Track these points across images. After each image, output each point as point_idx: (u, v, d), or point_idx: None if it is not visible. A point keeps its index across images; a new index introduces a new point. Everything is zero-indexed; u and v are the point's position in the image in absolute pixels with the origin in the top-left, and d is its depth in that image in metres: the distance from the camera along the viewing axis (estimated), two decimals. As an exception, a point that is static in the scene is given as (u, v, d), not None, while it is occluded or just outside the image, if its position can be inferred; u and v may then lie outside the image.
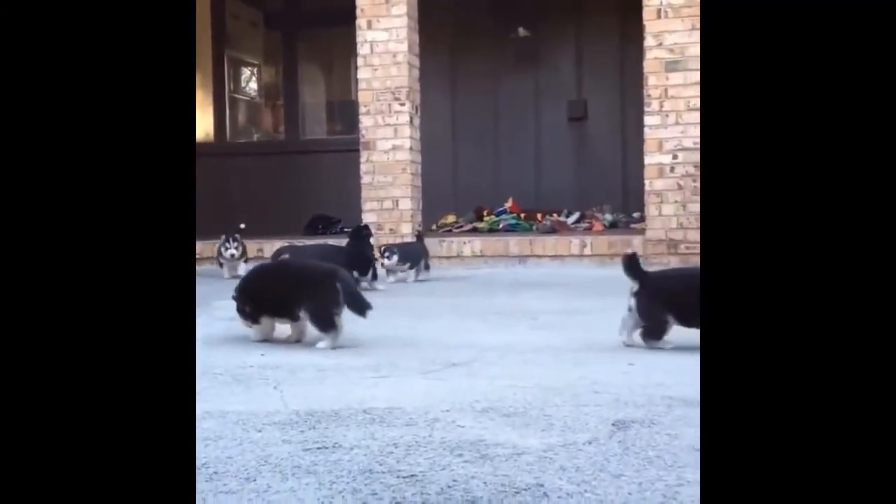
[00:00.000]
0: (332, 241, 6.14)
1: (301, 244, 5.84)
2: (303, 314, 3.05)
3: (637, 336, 3.02)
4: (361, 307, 3.02)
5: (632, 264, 3.13)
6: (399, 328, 3.58)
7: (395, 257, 5.75)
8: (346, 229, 8.93)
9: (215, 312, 3.85)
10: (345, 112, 10.50)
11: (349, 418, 1.89)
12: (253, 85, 10.98)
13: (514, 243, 6.89)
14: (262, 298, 3.18)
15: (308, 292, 3.07)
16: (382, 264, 5.70)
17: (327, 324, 3.01)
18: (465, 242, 7.02)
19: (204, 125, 10.17)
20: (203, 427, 1.82)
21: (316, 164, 9.70)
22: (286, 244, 6.38)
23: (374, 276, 5.33)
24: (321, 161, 9.71)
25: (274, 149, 10.06)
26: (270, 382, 2.33)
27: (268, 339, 3.16)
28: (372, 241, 5.51)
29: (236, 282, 3.46)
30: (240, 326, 3.21)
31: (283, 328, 3.18)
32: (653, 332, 2.97)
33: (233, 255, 5.95)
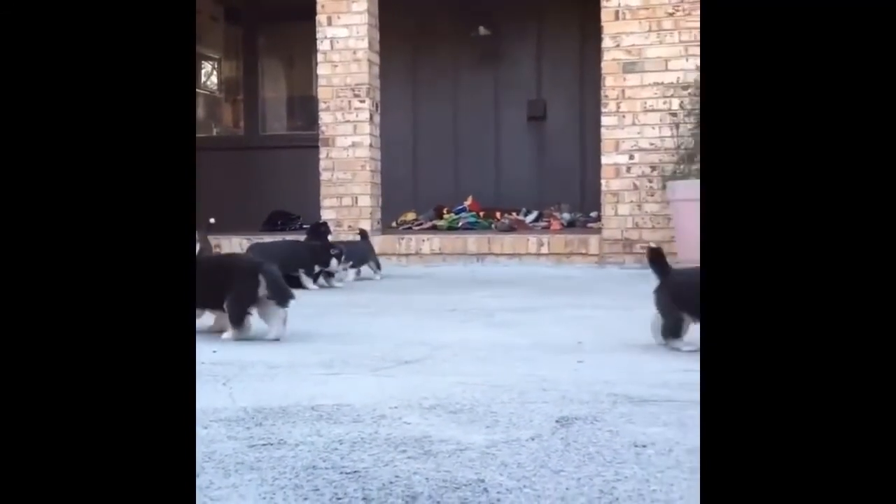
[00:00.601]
0: (290, 238, 6.11)
1: (265, 241, 5.79)
2: (225, 305, 3.12)
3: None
4: (284, 296, 3.10)
5: (656, 259, 2.97)
6: (354, 325, 3.59)
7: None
8: (304, 226, 8.91)
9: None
10: (305, 108, 10.47)
11: (296, 415, 1.90)
12: (213, 79, 10.88)
13: (473, 241, 6.92)
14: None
15: (231, 283, 3.12)
16: None
17: (238, 318, 3.09)
18: (423, 240, 7.03)
19: (162, 119, 10.06)
20: (149, 423, 1.81)
21: (275, 159, 9.66)
22: (251, 241, 6.35)
23: (331, 275, 5.34)
24: (280, 157, 9.67)
25: (233, 144, 9.99)
26: (220, 379, 2.32)
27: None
28: (330, 237, 5.50)
29: None
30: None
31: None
32: (669, 329, 2.85)
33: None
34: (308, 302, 4.41)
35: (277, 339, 3.07)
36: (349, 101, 7.09)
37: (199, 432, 1.76)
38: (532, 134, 9.09)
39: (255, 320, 3.13)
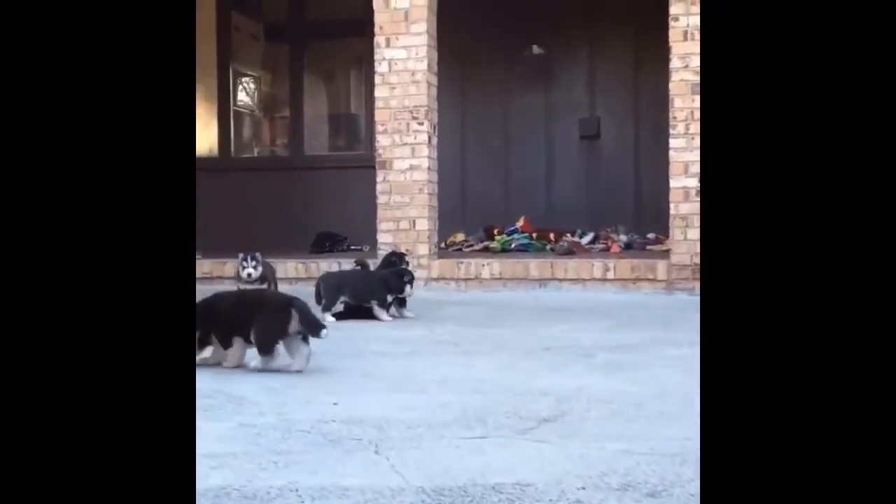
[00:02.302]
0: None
1: (337, 269, 5.63)
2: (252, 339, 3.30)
3: None
4: (316, 328, 3.29)
5: None
6: (455, 368, 3.44)
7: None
8: (353, 247, 8.81)
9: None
10: (347, 126, 10.37)
11: (484, 499, 1.76)
12: (254, 98, 10.80)
13: (535, 266, 6.77)
14: (210, 325, 3.36)
15: (258, 319, 3.32)
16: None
17: (264, 349, 3.28)
18: (483, 265, 6.89)
19: (208, 140, 9.99)
20: (327, 509, 1.68)
21: (319, 180, 9.55)
22: (304, 264, 6.18)
23: (402, 303, 5.19)
24: (323, 177, 9.56)
25: (278, 164, 9.89)
26: (366, 444, 2.18)
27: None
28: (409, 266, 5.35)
29: None
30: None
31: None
32: None
33: (249, 276, 5.62)
34: (393, 337, 4.28)
35: (300, 372, 3.26)
36: (407, 124, 6.96)
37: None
38: (585, 153, 8.94)
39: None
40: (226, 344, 3.39)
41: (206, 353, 3.43)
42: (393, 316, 5.08)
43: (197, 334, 3.28)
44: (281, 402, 2.71)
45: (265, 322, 3.33)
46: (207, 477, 1.89)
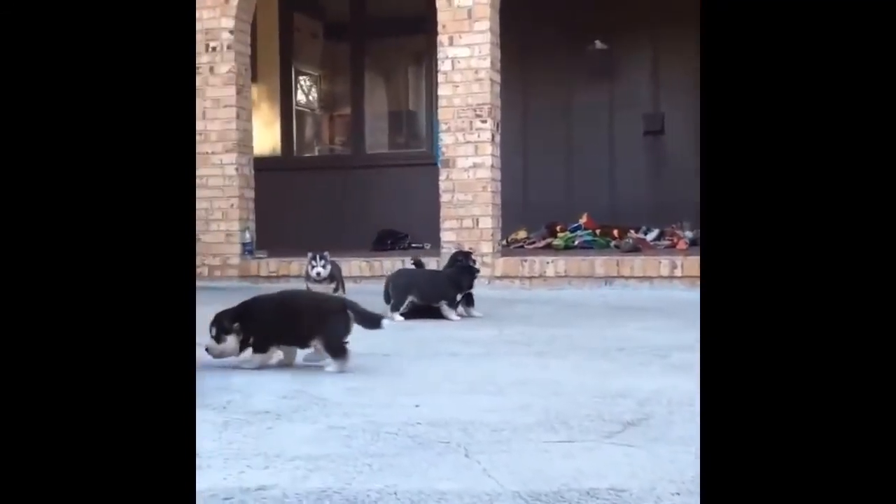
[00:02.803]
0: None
1: (401, 267, 5.69)
2: (316, 342, 3.34)
3: None
4: (375, 322, 3.43)
5: None
6: (527, 367, 3.45)
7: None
8: (414, 245, 8.87)
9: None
10: (407, 124, 10.43)
11: (577, 502, 1.77)
12: (313, 97, 10.92)
13: (600, 263, 6.74)
14: (273, 328, 3.40)
15: (322, 323, 3.36)
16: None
17: (338, 351, 3.33)
18: (548, 262, 6.88)
19: (271, 139, 10.14)
20: (426, 513, 1.71)
21: (380, 178, 9.63)
22: (368, 262, 6.22)
23: (470, 303, 5.21)
24: (384, 175, 9.64)
25: (340, 163, 10.00)
26: (455, 447, 2.21)
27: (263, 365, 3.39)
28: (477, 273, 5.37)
29: None
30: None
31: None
32: None
33: (319, 275, 5.67)
34: (464, 337, 4.30)
35: (342, 372, 3.28)
36: (470, 122, 6.98)
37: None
38: (649, 148, 8.87)
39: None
40: (263, 348, 3.40)
41: (273, 357, 3.44)
42: (461, 315, 5.11)
43: (239, 336, 3.33)
44: (364, 404, 2.75)
45: (332, 326, 3.37)
46: (307, 479, 1.93)
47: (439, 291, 5.05)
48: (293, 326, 3.39)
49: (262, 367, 3.38)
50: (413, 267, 5.60)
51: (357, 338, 3.87)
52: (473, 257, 5.45)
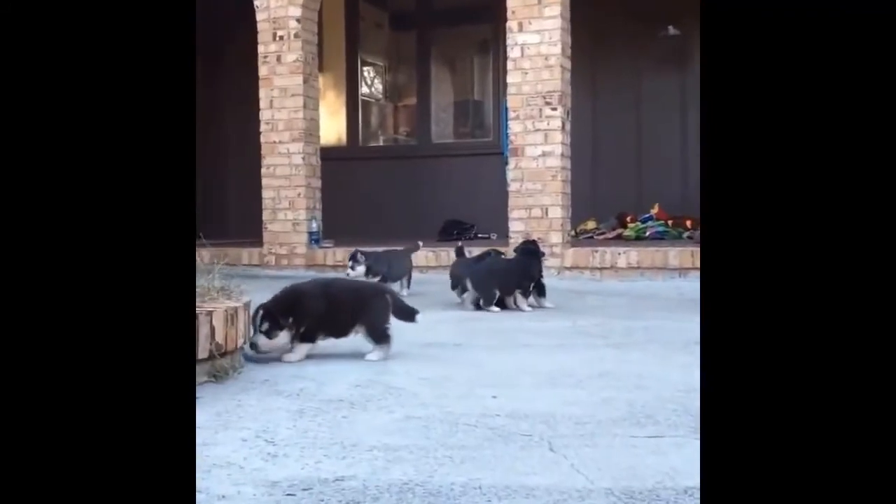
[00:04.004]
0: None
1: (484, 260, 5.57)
2: (359, 329, 3.29)
3: None
4: (411, 314, 3.39)
5: None
6: (605, 360, 3.33)
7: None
8: (480, 235, 8.77)
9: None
10: (474, 113, 10.32)
11: (674, 501, 1.66)
12: (379, 87, 10.89)
13: (674, 255, 6.55)
14: (321, 318, 3.28)
15: (364, 309, 3.32)
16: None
17: (382, 336, 3.28)
18: (619, 253, 6.71)
19: (336, 129, 10.14)
20: (514, 510, 1.61)
21: (445, 167, 9.56)
22: (434, 252, 6.12)
23: (541, 293, 5.10)
24: (451, 164, 9.56)
25: (406, 152, 9.95)
26: (538, 441, 2.11)
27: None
28: (543, 258, 5.24)
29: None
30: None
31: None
32: None
33: (347, 275, 5.57)
34: (537, 329, 4.19)
35: (384, 360, 3.23)
36: (540, 110, 6.85)
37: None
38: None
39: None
40: (311, 338, 3.28)
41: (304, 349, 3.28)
42: (531, 306, 5.00)
43: (292, 331, 3.22)
44: (440, 395, 2.67)
45: (373, 311, 3.31)
46: (387, 470, 1.85)
47: (515, 282, 4.94)
48: (335, 314, 3.30)
49: (302, 358, 3.24)
50: (461, 257, 5.49)
51: (427, 327, 3.80)
52: (541, 247, 5.33)
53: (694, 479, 1.79)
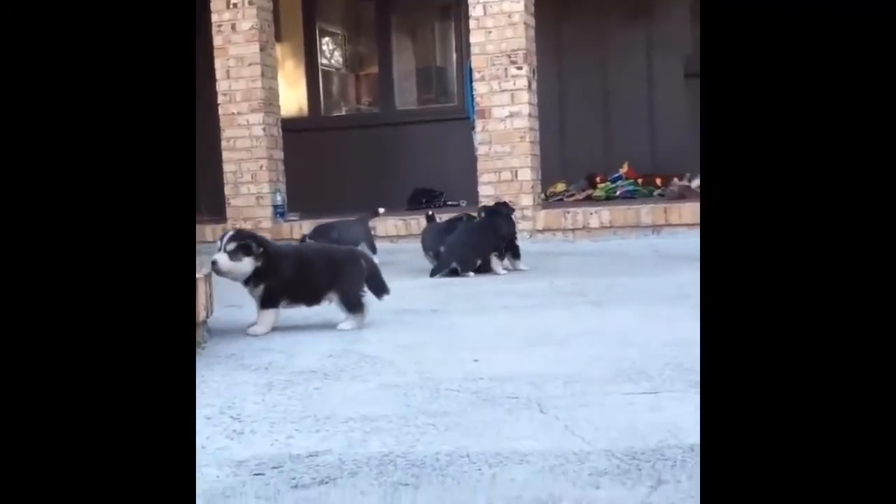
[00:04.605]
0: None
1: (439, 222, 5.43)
2: (332, 297, 3.10)
3: None
4: (381, 290, 3.20)
5: None
6: (587, 318, 3.19)
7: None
8: (449, 202, 8.60)
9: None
10: (437, 80, 10.11)
11: (685, 461, 1.52)
12: (338, 57, 10.62)
13: (647, 212, 6.43)
14: (290, 282, 3.08)
15: (337, 275, 3.12)
16: None
17: (356, 305, 3.10)
18: (591, 213, 6.58)
19: (297, 100, 9.88)
20: (516, 478, 1.47)
21: (410, 135, 9.36)
22: (404, 221, 5.95)
23: (516, 255, 4.95)
24: (416, 132, 9.36)
25: (370, 121, 9.72)
26: (526, 403, 1.96)
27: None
28: (514, 217, 5.09)
29: None
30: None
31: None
32: None
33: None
34: (514, 291, 4.05)
35: (359, 329, 3.07)
36: (505, 69, 6.66)
37: (591, 494, 1.39)
38: (690, 93, 8.47)
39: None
40: (274, 302, 3.08)
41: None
42: (506, 269, 4.85)
43: (256, 264, 3.00)
44: (417, 361, 2.52)
45: (347, 277, 3.13)
46: (365, 443, 1.70)
47: (488, 245, 4.79)
48: (306, 279, 3.11)
49: (269, 330, 3.04)
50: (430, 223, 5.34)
51: (402, 294, 3.64)
52: (511, 206, 5.21)
53: (698, 436, 1.65)
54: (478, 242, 4.77)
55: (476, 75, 6.75)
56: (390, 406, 1.98)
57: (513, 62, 6.63)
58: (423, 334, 2.98)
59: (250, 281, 3.05)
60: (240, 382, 2.30)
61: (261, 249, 3.03)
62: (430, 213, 5.54)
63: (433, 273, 4.68)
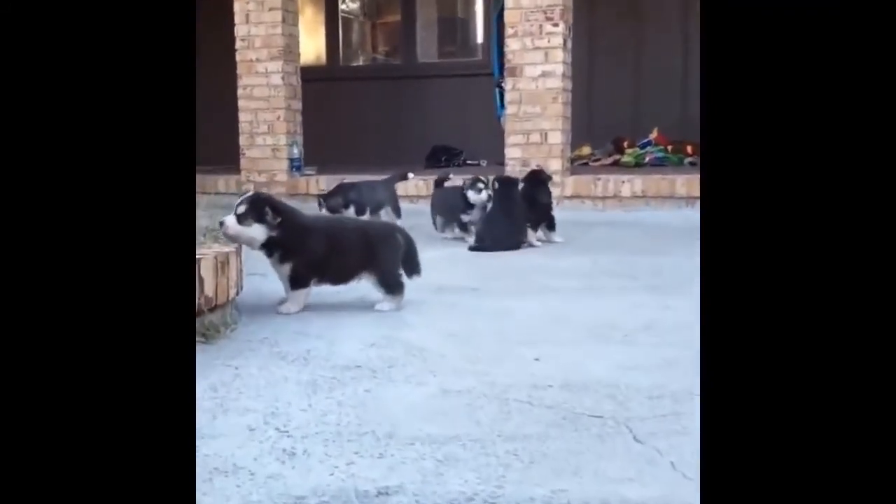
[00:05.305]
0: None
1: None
2: (365, 276, 2.86)
3: None
4: (415, 268, 2.94)
5: None
6: (645, 307, 2.94)
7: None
8: (469, 162, 8.30)
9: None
10: (461, 32, 9.74)
11: None
12: (355, 4, 10.21)
13: (682, 183, 6.15)
14: (320, 260, 2.83)
15: (373, 254, 2.86)
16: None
17: (395, 286, 2.87)
18: (623, 181, 6.30)
19: (315, 48, 9.52)
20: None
21: (432, 88, 9.03)
22: (425, 180, 5.60)
23: (551, 227, 4.68)
24: (437, 86, 9.03)
25: (389, 73, 9.38)
26: (616, 426, 1.71)
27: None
28: (550, 186, 4.81)
29: None
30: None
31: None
32: None
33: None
34: (554, 268, 3.80)
35: (397, 310, 2.84)
36: (540, 26, 6.32)
37: None
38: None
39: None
40: (305, 281, 2.83)
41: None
42: (540, 240, 4.59)
43: (271, 233, 2.75)
44: (472, 357, 2.27)
45: (384, 257, 2.86)
46: (441, 477, 1.45)
47: (526, 219, 4.51)
48: (338, 256, 2.85)
49: (301, 309, 2.81)
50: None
51: (434, 266, 3.40)
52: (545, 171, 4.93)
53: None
54: (521, 217, 4.48)
55: (509, 31, 6.41)
56: (458, 422, 1.73)
57: (548, 18, 6.30)
58: (469, 320, 2.73)
59: (273, 254, 2.80)
60: (280, 379, 2.05)
61: (278, 219, 2.76)
62: (439, 176, 5.22)
63: (472, 249, 4.38)
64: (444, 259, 4.00)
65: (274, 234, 2.76)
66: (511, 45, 6.42)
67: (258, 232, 2.75)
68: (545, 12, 6.28)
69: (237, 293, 2.66)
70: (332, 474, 1.47)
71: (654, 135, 7.88)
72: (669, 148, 7.72)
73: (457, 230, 4.77)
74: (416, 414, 1.79)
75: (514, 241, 4.37)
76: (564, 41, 6.33)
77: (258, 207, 2.76)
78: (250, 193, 2.94)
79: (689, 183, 6.13)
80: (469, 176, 4.89)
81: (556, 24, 6.28)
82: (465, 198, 4.64)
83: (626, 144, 7.97)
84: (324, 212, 5.03)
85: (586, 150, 8.17)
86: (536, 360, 2.24)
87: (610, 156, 7.98)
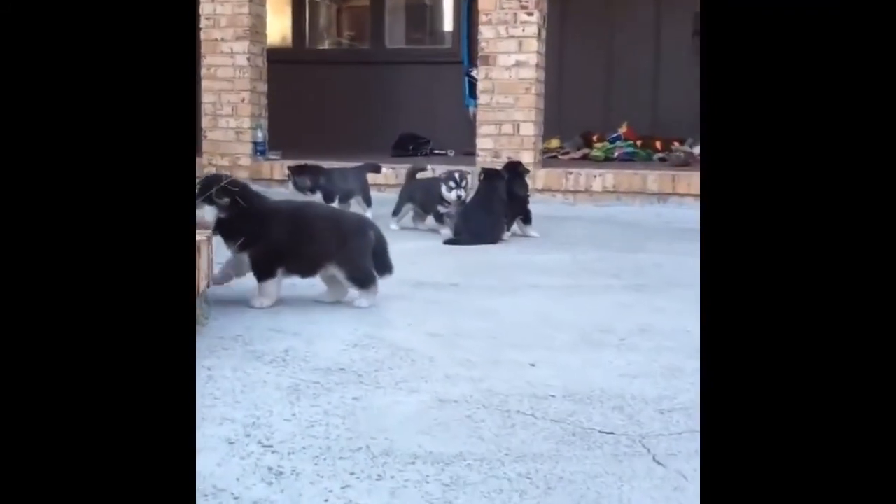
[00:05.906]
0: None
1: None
2: (333, 270, 2.67)
3: None
4: (386, 268, 2.75)
5: None
6: (636, 308, 2.83)
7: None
8: (436, 151, 8.14)
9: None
10: (430, 19, 9.57)
11: None
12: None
13: (654, 179, 6.06)
14: (282, 248, 2.65)
15: (341, 245, 2.68)
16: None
17: (366, 280, 2.69)
18: (595, 175, 6.19)
19: (280, 28, 9.26)
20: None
21: (400, 75, 8.84)
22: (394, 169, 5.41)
23: (527, 220, 4.56)
24: (405, 72, 8.84)
25: (358, 57, 9.17)
26: (630, 444, 1.58)
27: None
28: (527, 178, 4.68)
29: None
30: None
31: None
32: None
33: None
34: (535, 264, 3.67)
35: (372, 305, 2.69)
36: (515, 14, 6.18)
37: None
38: (698, 51, 8.07)
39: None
40: (270, 271, 2.64)
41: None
42: (514, 234, 4.46)
43: (223, 214, 2.60)
44: (462, 360, 2.12)
45: (354, 250, 2.68)
46: (454, 508, 1.30)
47: (510, 212, 4.38)
48: (302, 246, 2.66)
49: (274, 301, 2.65)
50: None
51: (411, 260, 3.25)
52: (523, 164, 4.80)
53: None
54: (501, 211, 4.34)
55: (483, 18, 6.26)
56: (459, 438, 1.59)
57: (523, 7, 6.15)
58: (453, 319, 2.58)
59: (230, 241, 2.62)
60: (257, 382, 1.89)
61: (226, 200, 2.58)
62: (413, 168, 5.04)
63: (448, 242, 4.23)
64: (419, 252, 3.85)
65: (223, 216, 2.59)
66: (484, 32, 6.27)
67: (207, 213, 2.59)
68: (520, 0, 6.14)
69: (208, 285, 2.48)
70: (326, 500, 1.32)
71: (623, 129, 7.79)
72: (639, 143, 7.64)
73: (431, 221, 4.62)
74: (411, 426, 1.64)
75: (492, 236, 4.23)
76: (539, 31, 6.19)
77: (209, 188, 2.58)
78: (210, 174, 2.76)
79: (660, 179, 6.04)
80: (446, 169, 4.74)
81: (530, 14, 6.13)
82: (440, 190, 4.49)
83: (595, 138, 7.87)
84: (290, 186, 4.81)
85: (555, 142, 8.05)
86: (532, 365, 2.11)
87: (579, 149, 7.88)
